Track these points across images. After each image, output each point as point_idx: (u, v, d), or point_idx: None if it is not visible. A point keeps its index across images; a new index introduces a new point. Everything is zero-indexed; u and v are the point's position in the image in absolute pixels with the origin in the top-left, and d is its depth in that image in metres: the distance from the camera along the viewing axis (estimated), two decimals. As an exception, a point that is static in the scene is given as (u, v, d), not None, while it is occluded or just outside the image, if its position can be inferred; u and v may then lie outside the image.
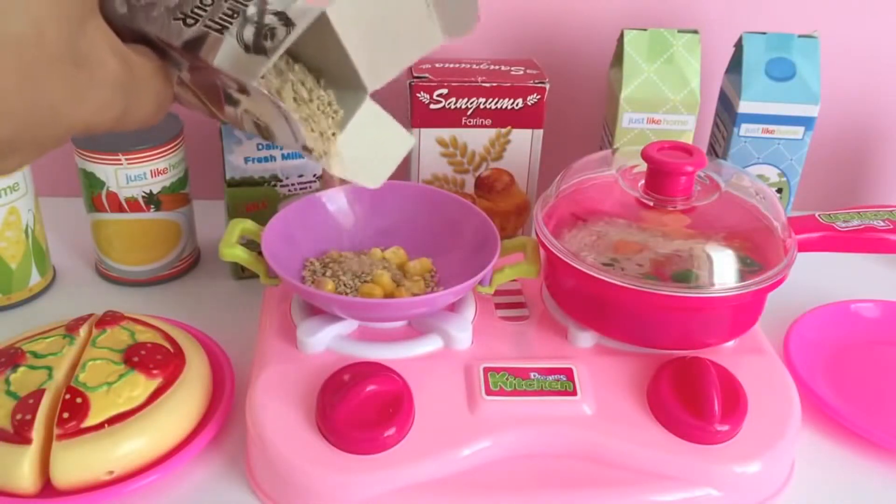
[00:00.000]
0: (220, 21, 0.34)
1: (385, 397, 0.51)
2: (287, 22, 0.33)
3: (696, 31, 0.73)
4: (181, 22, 0.34)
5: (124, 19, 0.35)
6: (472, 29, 0.38)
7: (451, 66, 0.72)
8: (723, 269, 0.53)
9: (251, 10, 0.33)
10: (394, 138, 0.40)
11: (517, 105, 0.70)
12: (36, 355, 0.54)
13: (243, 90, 0.36)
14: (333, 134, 0.37)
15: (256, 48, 0.33)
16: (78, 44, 0.31)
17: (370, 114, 0.38)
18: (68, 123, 0.32)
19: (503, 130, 0.71)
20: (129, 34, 0.35)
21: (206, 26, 0.34)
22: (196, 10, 0.34)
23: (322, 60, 0.36)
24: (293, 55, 0.36)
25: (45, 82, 0.30)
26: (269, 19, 0.33)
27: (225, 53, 0.33)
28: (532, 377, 0.54)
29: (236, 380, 0.59)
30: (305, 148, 0.37)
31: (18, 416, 0.49)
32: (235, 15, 0.33)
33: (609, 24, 0.82)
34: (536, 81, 0.70)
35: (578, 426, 0.52)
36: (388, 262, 0.62)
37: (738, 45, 0.76)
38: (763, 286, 0.54)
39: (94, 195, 0.68)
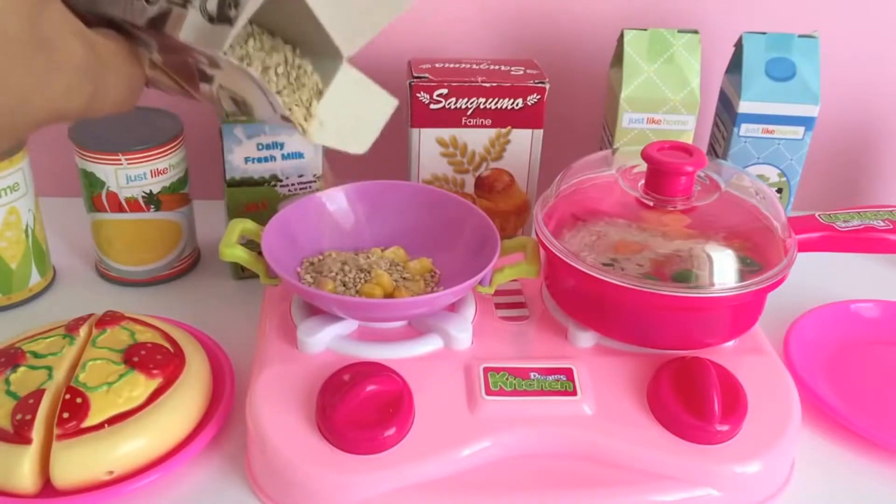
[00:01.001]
0: None
1: (385, 397, 0.51)
2: None
3: (696, 31, 0.73)
4: (144, 1, 0.34)
5: (88, 5, 0.35)
6: None
7: (451, 66, 0.72)
8: (723, 269, 0.53)
9: None
10: (376, 102, 0.40)
11: (517, 105, 0.70)
12: (36, 355, 0.54)
13: (215, 64, 0.35)
14: (312, 102, 0.37)
15: (221, 18, 0.33)
16: (39, 27, 0.30)
17: (349, 79, 0.38)
18: (36, 109, 0.31)
19: (503, 130, 0.71)
20: (94, 20, 0.35)
21: (168, 2, 0.34)
22: None
23: (295, 31, 0.36)
24: (266, 29, 0.36)
25: (9, 67, 0.30)
26: None
27: (190, 27, 0.33)
28: (532, 377, 0.54)
29: (236, 380, 0.59)
30: (285, 118, 0.37)
31: (18, 416, 0.49)
32: None
33: (609, 24, 0.82)
34: (536, 81, 0.70)
35: (578, 426, 0.52)
36: (388, 261, 0.62)
37: (738, 45, 0.76)
38: (763, 286, 0.54)
39: (94, 195, 0.68)
